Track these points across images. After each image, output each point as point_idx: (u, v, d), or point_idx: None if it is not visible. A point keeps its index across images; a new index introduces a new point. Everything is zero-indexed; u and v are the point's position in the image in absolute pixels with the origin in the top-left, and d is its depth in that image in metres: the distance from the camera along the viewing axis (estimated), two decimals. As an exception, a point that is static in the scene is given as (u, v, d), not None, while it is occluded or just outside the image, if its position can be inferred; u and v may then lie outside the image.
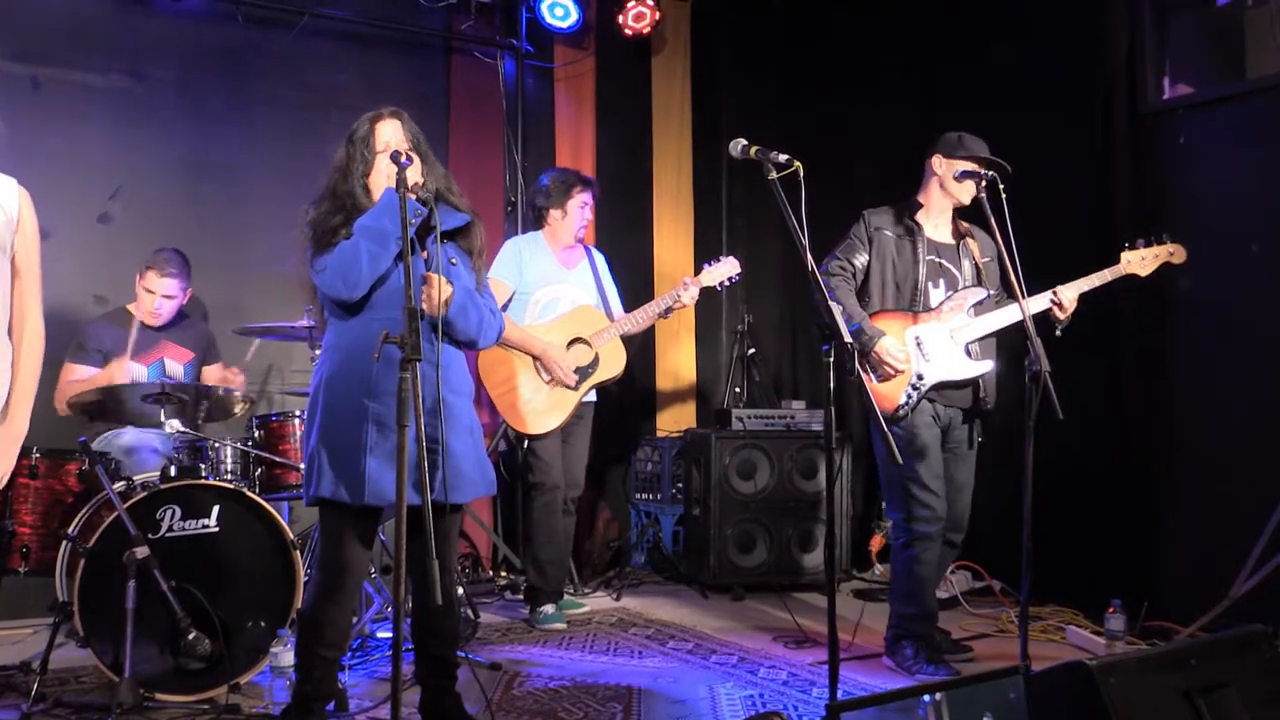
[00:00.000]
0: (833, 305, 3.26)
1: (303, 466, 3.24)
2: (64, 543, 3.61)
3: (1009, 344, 4.24)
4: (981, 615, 4.94)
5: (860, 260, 4.23)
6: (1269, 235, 4.37)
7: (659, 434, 6.46)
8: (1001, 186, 3.59)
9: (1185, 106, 4.75)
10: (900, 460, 3.31)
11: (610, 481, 6.41)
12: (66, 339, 4.46)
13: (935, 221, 4.25)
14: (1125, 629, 4.28)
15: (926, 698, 2.19)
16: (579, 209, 4.94)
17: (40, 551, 3.68)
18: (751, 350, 6.61)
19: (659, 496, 6.04)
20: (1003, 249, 3.69)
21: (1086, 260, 4.45)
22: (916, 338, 4.07)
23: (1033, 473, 3.43)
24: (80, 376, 4.39)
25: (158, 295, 4.49)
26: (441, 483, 2.94)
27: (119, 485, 3.64)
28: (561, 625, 4.76)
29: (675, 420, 6.61)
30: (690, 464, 5.76)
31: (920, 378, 4.03)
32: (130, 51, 5.22)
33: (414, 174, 3.01)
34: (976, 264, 4.22)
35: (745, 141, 3.19)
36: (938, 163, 4.19)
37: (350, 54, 5.84)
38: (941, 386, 4.06)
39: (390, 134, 3.15)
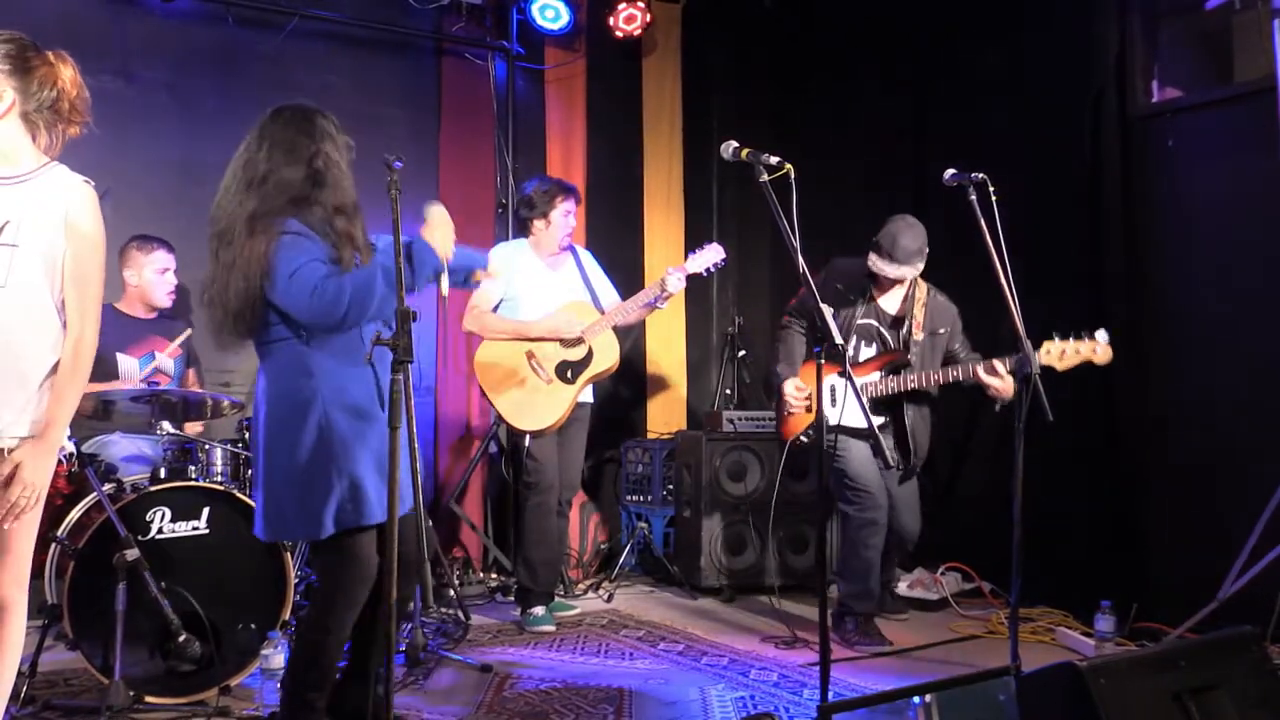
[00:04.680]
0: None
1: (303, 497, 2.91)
2: (53, 545, 3.59)
3: (1001, 348, 4.27)
4: (971, 617, 4.95)
5: (810, 306, 4.50)
6: (1256, 238, 4.39)
7: (649, 435, 6.46)
8: (992, 189, 3.60)
9: (1174, 110, 4.76)
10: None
11: (601, 483, 6.41)
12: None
13: (885, 289, 4.65)
14: (1115, 630, 4.30)
15: (917, 699, 2.20)
16: (563, 218, 4.96)
17: (29, 553, 3.66)
18: (742, 352, 6.62)
19: (649, 498, 6.04)
20: (992, 252, 3.72)
21: (1075, 264, 4.48)
22: (832, 386, 4.20)
23: (1023, 474, 3.43)
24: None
25: (155, 271, 4.55)
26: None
27: (108, 487, 3.64)
28: (551, 628, 4.76)
29: (665, 422, 6.61)
30: (681, 466, 5.77)
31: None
32: (120, 52, 5.21)
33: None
34: (910, 335, 4.61)
35: (737, 144, 3.21)
36: (870, 259, 4.55)
37: (341, 55, 5.83)
38: (841, 430, 4.44)
39: None
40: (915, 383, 4.48)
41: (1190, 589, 4.28)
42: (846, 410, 4.27)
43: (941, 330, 4.64)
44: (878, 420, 4.55)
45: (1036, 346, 4.07)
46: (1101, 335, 4.13)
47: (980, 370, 4.32)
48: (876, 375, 4.56)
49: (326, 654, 2.96)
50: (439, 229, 2.99)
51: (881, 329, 4.64)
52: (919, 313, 4.61)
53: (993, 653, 4.34)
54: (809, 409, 4.59)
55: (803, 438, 4.60)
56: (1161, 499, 4.68)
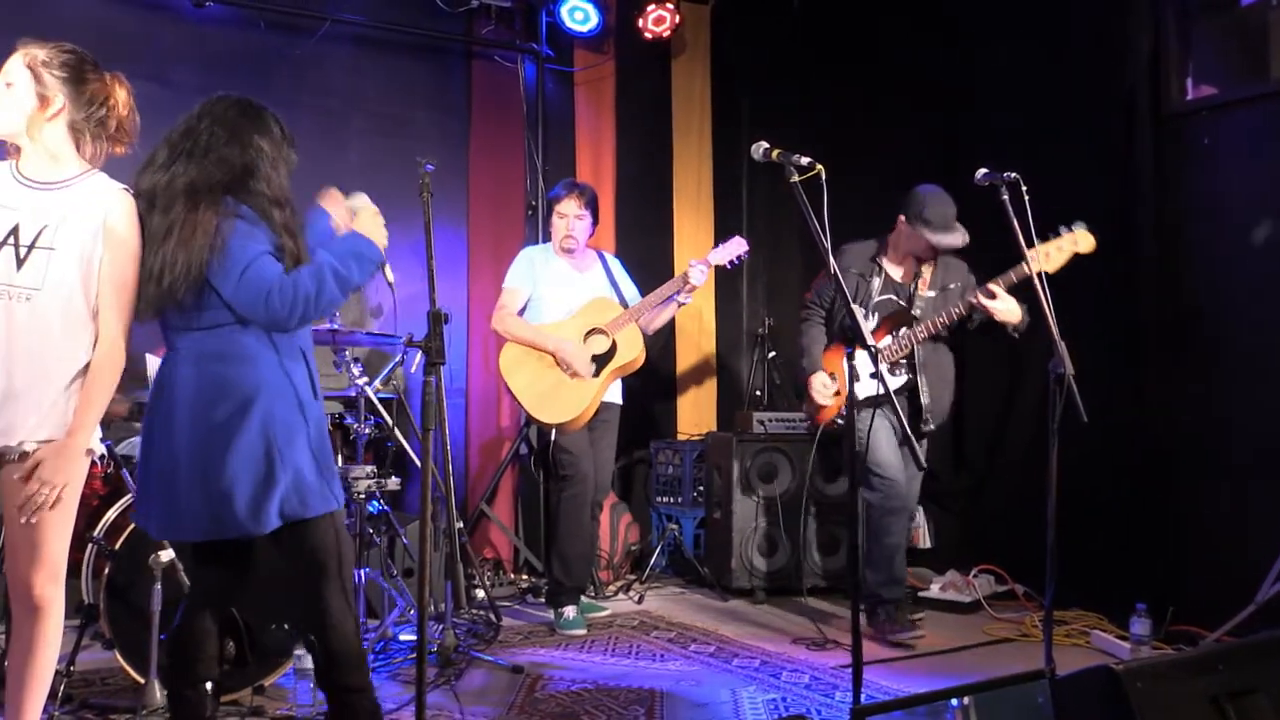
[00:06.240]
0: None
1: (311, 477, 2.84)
2: (90, 545, 3.63)
3: (1033, 349, 4.25)
4: (1005, 619, 4.92)
5: (828, 294, 4.80)
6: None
7: (679, 437, 6.46)
8: (1024, 188, 3.57)
9: (1209, 108, 4.72)
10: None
11: (631, 484, 6.41)
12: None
13: (898, 262, 4.74)
14: (1150, 633, 4.24)
15: (954, 701, 2.18)
16: (558, 219, 5.01)
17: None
18: (772, 353, 6.60)
19: (679, 499, 6.03)
20: (1025, 252, 3.70)
21: (1107, 264, 4.43)
22: (853, 364, 4.19)
23: (1056, 476, 3.41)
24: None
25: None
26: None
27: (144, 488, 3.67)
28: (582, 631, 4.76)
29: (696, 423, 6.60)
30: (711, 467, 5.76)
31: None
32: (154, 58, 5.25)
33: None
34: (915, 293, 4.67)
35: (767, 144, 3.20)
36: (902, 225, 4.62)
37: (371, 59, 5.86)
38: (871, 402, 4.43)
39: None
40: (923, 332, 4.54)
41: (1227, 592, 4.24)
42: (866, 380, 4.32)
43: (952, 285, 4.69)
44: (900, 380, 4.63)
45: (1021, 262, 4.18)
46: (1078, 225, 4.21)
47: (980, 297, 4.38)
48: (888, 339, 4.61)
49: (349, 637, 2.89)
50: (369, 220, 2.93)
51: (894, 297, 4.70)
52: (925, 271, 4.67)
53: (1026, 656, 4.32)
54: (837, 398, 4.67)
55: (838, 420, 4.66)
56: (1197, 501, 4.64)
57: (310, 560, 2.83)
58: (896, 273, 4.73)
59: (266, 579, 3.28)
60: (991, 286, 4.35)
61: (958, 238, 4.51)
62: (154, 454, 2.80)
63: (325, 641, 2.87)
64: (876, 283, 4.71)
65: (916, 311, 4.62)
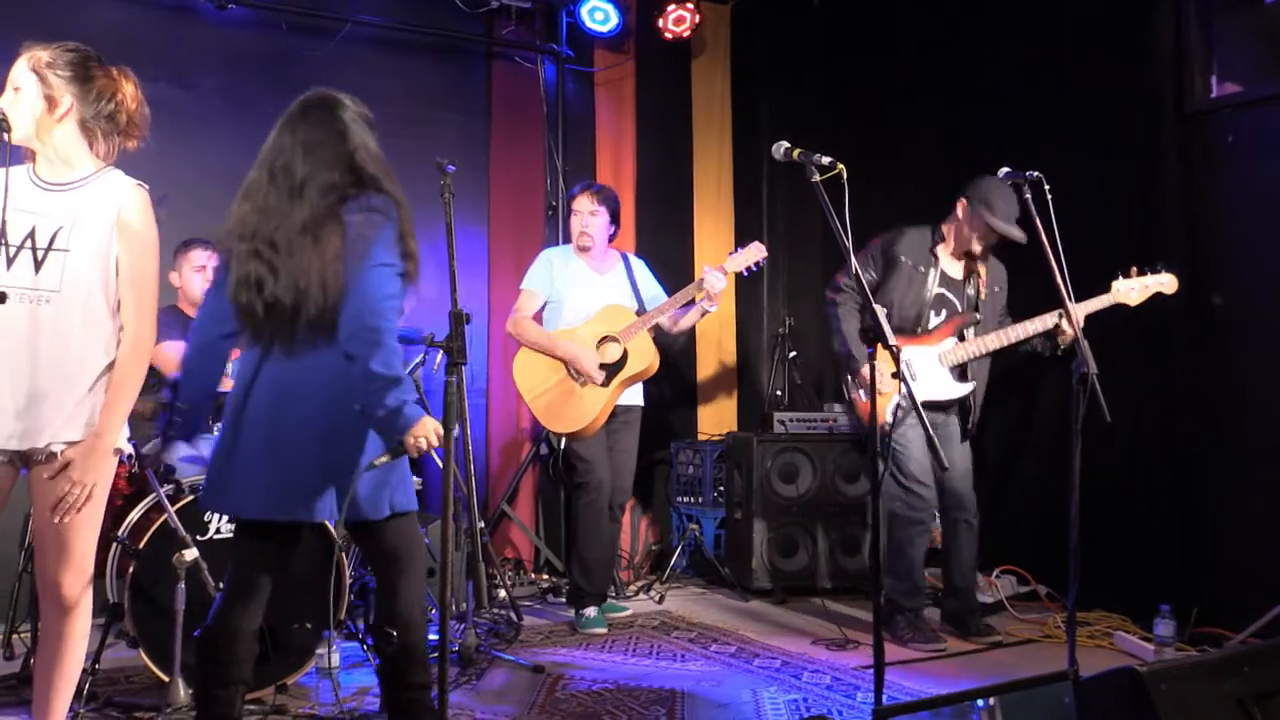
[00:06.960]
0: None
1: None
2: (114, 545, 3.66)
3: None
4: (1028, 620, 4.89)
5: (866, 278, 4.60)
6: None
7: (700, 437, 6.46)
8: (1047, 187, 3.56)
9: (1233, 105, 4.68)
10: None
11: (651, 484, 6.41)
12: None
13: (952, 254, 4.67)
14: (1175, 635, 4.23)
15: (979, 702, 2.17)
16: (574, 216, 5.04)
17: (91, 553, 3.73)
18: (793, 353, 6.59)
19: (700, 500, 6.03)
20: (1048, 250, 3.67)
21: (1132, 262, 4.42)
22: (907, 361, 4.15)
23: (1080, 476, 3.39)
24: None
25: (193, 269, 4.69)
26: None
27: (168, 488, 3.69)
28: (603, 630, 4.76)
29: (716, 423, 6.60)
30: (732, 467, 5.75)
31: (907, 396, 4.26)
32: (176, 60, 5.29)
33: None
34: (978, 295, 4.63)
35: (788, 144, 3.19)
36: (962, 209, 4.56)
37: (392, 60, 5.88)
38: (926, 405, 4.22)
39: None
40: (996, 342, 4.48)
41: (1252, 594, 4.21)
42: (922, 385, 4.37)
43: (998, 288, 4.69)
44: (967, 387, 4.58)
45: (1105, 289, 4.27)
46: (1163, 268, 4.31)
47: (1060, 320, 4.32)
48: (950, 341, 4.55)
49: (421, 632, 2.94)
50: (430, 425, 2.80)
51: (950, 294, 4.64)
52: (982, 270, 4.64)
53: (1049, 657, 4.30)
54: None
55: (890, 418, 4.53)
56: (1222, 502, 4.60)
57: (395, 554, 2.93)
58: (952, 269, 4.65)
59: (290, 577, 3.29)
60: (1072, 311, 4.28)
61: (1019, 231, 4.37)
62: (260, 435, 2.77)
63: (401, 634, 2.92)
64: (933, 275, 4.61)
65: (980, 315, 4.58)
